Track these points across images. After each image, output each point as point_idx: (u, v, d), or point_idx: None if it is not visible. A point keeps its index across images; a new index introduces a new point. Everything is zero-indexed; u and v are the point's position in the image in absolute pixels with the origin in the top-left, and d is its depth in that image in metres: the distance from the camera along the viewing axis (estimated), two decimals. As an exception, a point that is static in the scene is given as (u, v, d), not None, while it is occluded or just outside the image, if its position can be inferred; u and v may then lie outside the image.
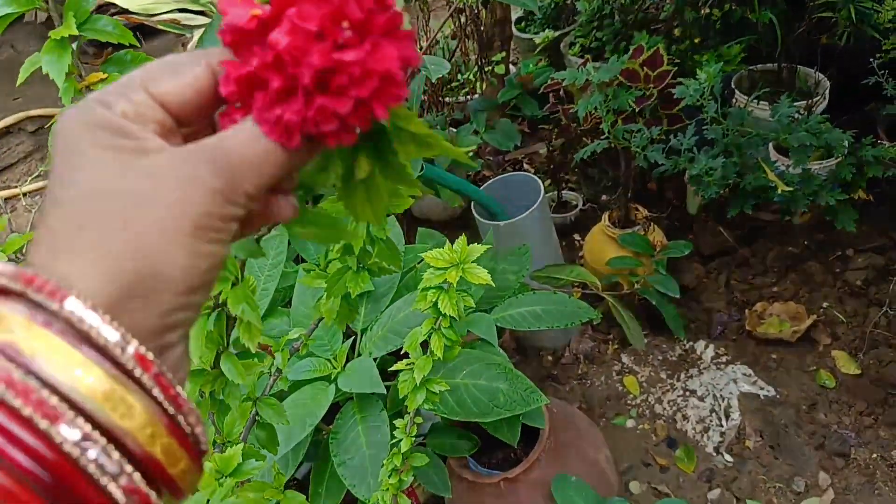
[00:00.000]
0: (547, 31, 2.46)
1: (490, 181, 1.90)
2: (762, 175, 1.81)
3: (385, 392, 1.11)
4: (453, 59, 2.44)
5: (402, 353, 0.97)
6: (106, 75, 0.52)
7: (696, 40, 2.31)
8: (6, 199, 3.12)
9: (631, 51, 1.96)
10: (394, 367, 0.88)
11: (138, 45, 0.54)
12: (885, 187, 1.95)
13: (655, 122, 1.97)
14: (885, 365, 1.60)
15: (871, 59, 1.70)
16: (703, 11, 2.31)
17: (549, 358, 1.96)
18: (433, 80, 2.28)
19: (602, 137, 1.85)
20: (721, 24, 2.29)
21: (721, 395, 1.68)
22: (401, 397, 0.87)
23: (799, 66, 2.11)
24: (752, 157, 1.85)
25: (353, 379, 1.12)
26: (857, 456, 1.48)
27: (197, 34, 2.16)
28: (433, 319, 0.87)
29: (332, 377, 1.18)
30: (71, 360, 0.23)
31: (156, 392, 0.24)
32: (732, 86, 2.12)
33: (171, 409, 0.25)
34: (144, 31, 3.02)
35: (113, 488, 0.23)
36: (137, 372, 0.24)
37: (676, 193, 2.27)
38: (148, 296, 0.25)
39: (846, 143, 1.72)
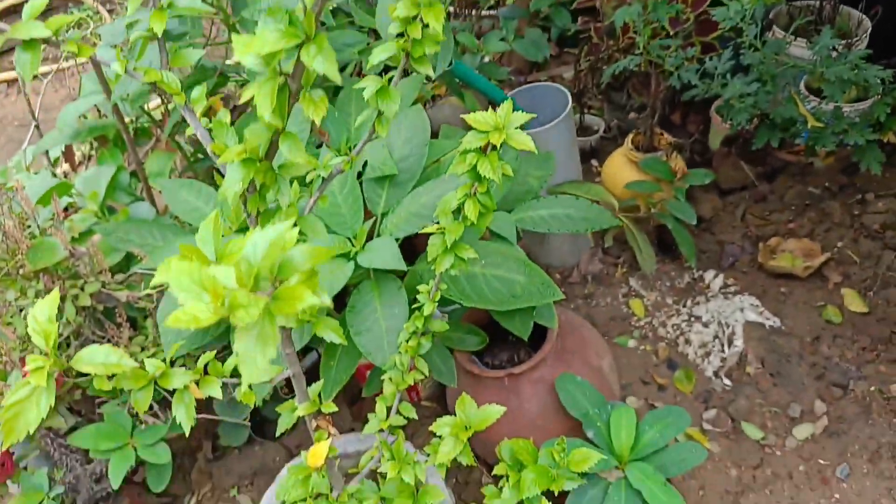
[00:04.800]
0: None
1: (517, 89, 1.86)
2: (793, 108, 1.77)
3: (405, 270, 1.10)
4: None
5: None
6: None
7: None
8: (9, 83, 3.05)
9: (672, -33, 1.89)
10: (425, 230, 0.87)
11: None
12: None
13: (690, 46, 1.92)
14: (893, 305, 1.61)
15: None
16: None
17: (557, 276, 1.96)
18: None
19: (636, 53, 1.80)
20: (766, -49, 2.20)
21: (726, 323, 1.69)
22: (429, 260, 0.86)
23: (841, 5, 2.05)
24: (786, 90, 1.81)
25: (373, 256, 1.12)
26: (855, 388, 1.50)
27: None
28: (469, 185, 0.85)
29: (351, 255, 1.17)
30: None
31: None
32: (770, 19, 2.05)
33: None
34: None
35: None
36: None
37: (699, 127, 2.23)
38: None
39: (885, 81, 1.68)
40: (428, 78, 2.22)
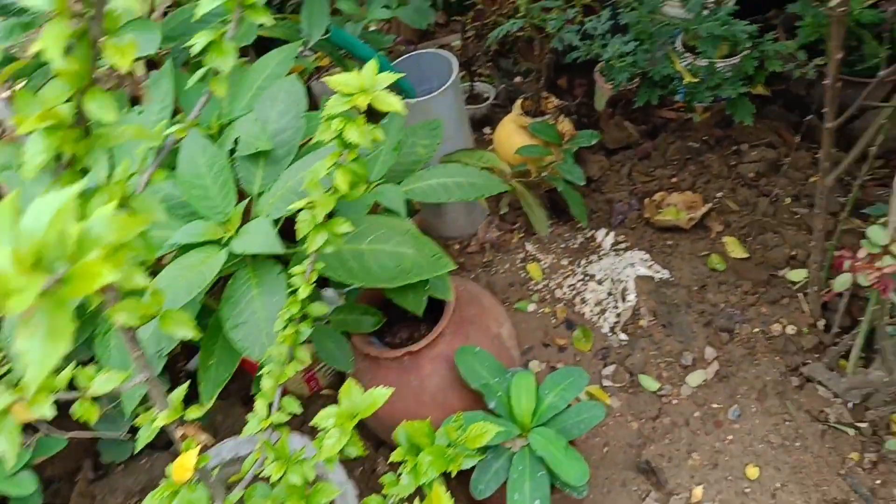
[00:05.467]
0: None
1: (402, 57, 1.79)
2: (670, 65, 1.81)
3: (283, 252, 1.02)
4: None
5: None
6: None
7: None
8: None
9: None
10: (293, 206, 0.80)
11: None
12: (782, 85, 2.01)
13: (571, 8, 1.92)
14: (769, 249, 1.69)
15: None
16: None
17: (456, 247, 1.93)
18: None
19: (518, 16, 1.77)
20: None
21: (619, 279, 1.72)
22: (299, 238, 0.79)
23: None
24: (663, 48, 1.84)
25: (248, 240, 1.03)
26: (740, 331, 1.57)
27: None
28: (338, 153, 0.78)
29: (224, 241, 1.08)
30: None
31: None
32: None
33: None
34: None
35: None
36: None
37: (585, 89, 2.25)
38: None
39: (751, 35, 1.74)
40: (308, 48, 2.10)
